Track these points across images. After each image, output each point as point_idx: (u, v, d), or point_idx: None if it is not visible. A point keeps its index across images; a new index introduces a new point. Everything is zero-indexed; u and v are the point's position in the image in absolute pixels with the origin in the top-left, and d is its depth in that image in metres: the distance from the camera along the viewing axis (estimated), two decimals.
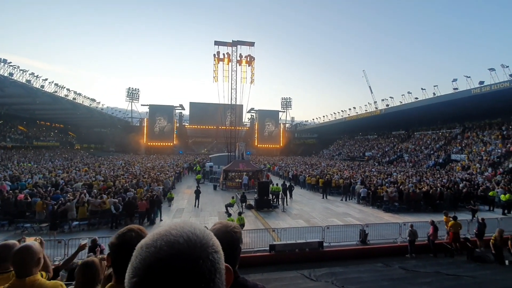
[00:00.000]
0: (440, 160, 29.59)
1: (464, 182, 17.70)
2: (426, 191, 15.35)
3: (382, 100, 44.86)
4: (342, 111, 58.50)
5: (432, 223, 9.08)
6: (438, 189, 15.64)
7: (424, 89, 37.42)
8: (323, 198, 18.43)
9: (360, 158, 43.44)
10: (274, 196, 16.37)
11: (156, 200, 12.20)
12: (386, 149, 42.42)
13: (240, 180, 21.67)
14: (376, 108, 48.17)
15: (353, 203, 17.24)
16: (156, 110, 59.08)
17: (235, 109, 29.57)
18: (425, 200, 15.09)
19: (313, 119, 79.98)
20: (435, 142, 35.39)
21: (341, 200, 17.79)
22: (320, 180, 20.26)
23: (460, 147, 29.76)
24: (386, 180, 19.63)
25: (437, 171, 24.82)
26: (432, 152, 33.22)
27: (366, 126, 51.64)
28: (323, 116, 64.52)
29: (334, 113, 60.88)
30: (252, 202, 15.43)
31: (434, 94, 33.00)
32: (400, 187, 16.42)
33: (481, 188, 15.88)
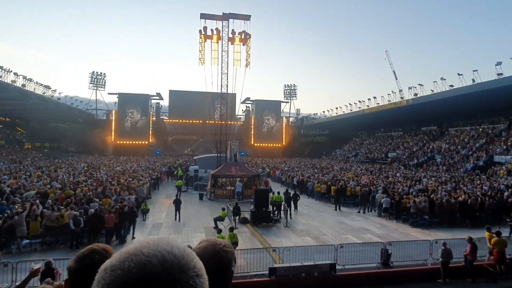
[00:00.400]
0: (481, 163, 29.86)
1: (510, 190, 17.95)
2: (463, 200, 15.63)
3: (409, 88, 45.15)
4: (359, 101, 56.42)
5: (470, 240, 9.15)
6: (478, 198, 15.90)
7: (461, 74, 36.62)
8: (335, 209, 18.67)
9: (381, 161, 43.70)
10: (274, 208, 16.51)
11: (127, 212, 12.18)
12: (414, 149, 42.54)
13: (232, 188, 21.75)
14: (401, 98, 48.41)
15: (373, 216, 17.45)
16: (127, 100, 58.52)
17: (227, 99, 29.71)
18: (461, 212, 15.38)
19: (323, 112, 78.21)
20: (475, 141, 35.55)
21: (358, 212, 18.02)
22: (332, 187, 20.57)
23: (505, 147, 30.10)
24: (413, 188, 19.83)
25: (477, 176, 25.18)
26: (470, 152, 33.61)
27: (390, 121, 51.77)
28: (336, 108, 67.11)
29: (349, 104, 60.91)
30: (247, 215, 15.53)
31: (473, 81, 33.30)
32: (431, 196, 16.84)
33: None
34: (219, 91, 28.94)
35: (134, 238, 12.40)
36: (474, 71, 34.95)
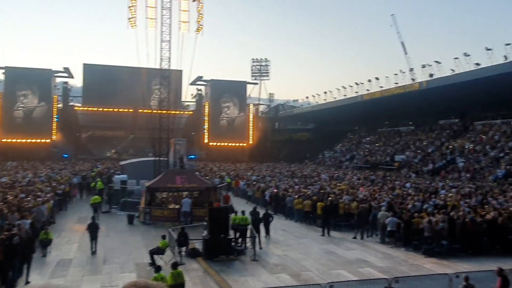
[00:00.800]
0: None
1: None
2: (493, 219, 16.12)
3: (423, 66, 46.09)
4: (356, 84, 57.69)
5: (501, 272, 9.52)
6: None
7: (490, 49, 38.29)
8: (323, 235, 18.95)
9: (386, 166, 44.69)
10: (238, 234, 16.51)
11: (17, 245, 11.80)
12: (429, 150, 43.78)
13: (177, 206, 21.64)
14: (412, 80, 49.35)
15: (374, 242, 17.90)
16: (18, 78, 56.41)
17: (169, 78, 29.63)
18: (490, 234, 15.82)
19: (306, 98, 77.33)
20: (507, 138, 36.81)
21: (354, 237, 18.37)
22: (318, 204, 20.56)
23: None
24: (428, 203, 20.20)
25: (510, 187, 25.86)
26: (502, 154, 34.48)
27: (397, 111, 52.97)
28: (325, 93, 65.60)
29: (342, 87, 60.78)
30: (198, 246, 15.47)
31: (505, 58, 34.78)
32: (451, 213, 17.03)
33: None
34: (158, 66, 28.77)
35: (29, 283, 12.06)
36: (507, 44, 36.26)
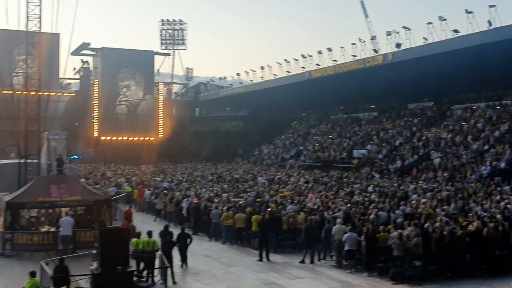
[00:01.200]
0: (502, 165, 32.35)
1: None
2: (477, 231, 16.57)
3: (388, 34, 47.04)
4: (303, 57, 58.00)
5: None
6: (500, 226, 16.78)
7: (471, 12, 39.70)
8: (261, 259, 19.01)
9: (342, 163, 46.03)
10: (142, 265, 16.27)
11: None
12: (397, 143, 45.53)
13: (52, 229, 20.95)
14: (375, 51, 50.83)
15: (328, 266, 18.17)
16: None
17: (40, 45, 28.97)
18: (473, 250, 16.23)
19: (237, 76, 75.93)
20: (494, 126, 38.61)
21: (302, 261, 18.53)
22: (254, 217, 20.60)
23: None
24: (396, 212, 20.82)
25: (498, 188, 26.80)
26: (487, 147, 35.87)
27: (355, 92, 54.54)
28: (261, 69, 65.99)
29: (285, 61, 60.74)
30: (85, 284, 14.83)
31: (489, 23, 36.33)
32: (426, 225, 17.40)
33: None
34: (24, 28, 28.11)
35: None
36: (491, 6, 37.68)
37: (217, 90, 75.71)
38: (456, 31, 39.21)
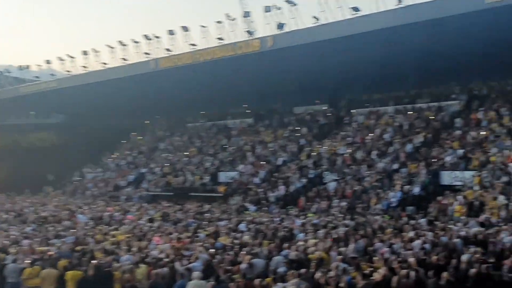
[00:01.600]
0: (416, 189, 33.77)
1: (470, 250, 19.65)
2: (384, 280, 16.74)
3: (267, 11, 46.97)
4: (147, 38, 55.98)
5: None
6: (413, 273, 16.86)
7: None
8: None
9: (204, 192, 47.05)
10: None
11: None
12: (280, 161, 46.42)
13: None
14: (249, 33, 49.29)
15: None
16: None
17: None
18: None
19: (47, 64, 74.51)
20: (405, 138, 40.77)
21: None
22: (70, 273, 19.53)
23: (462, 150, 35.63)
24: (276, 258, 20.63)
25: (410, 221, 27.85)
26: (396, 165, 38.08)
27: (222, 90, 54.80)
28: (84, 56, 63.38)
29: (120, 44, 59.53)
30: None
31: (399, 0, 36.13)
32: (317, 275, 17.47)
33: None
34: None
35: None
36: None
37: (16, 86, 71.87)
38: (356, 9, 39.04)
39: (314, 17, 42.19)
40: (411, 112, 45.67)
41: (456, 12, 33.87)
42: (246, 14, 51.23)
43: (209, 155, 54.21)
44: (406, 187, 34.75)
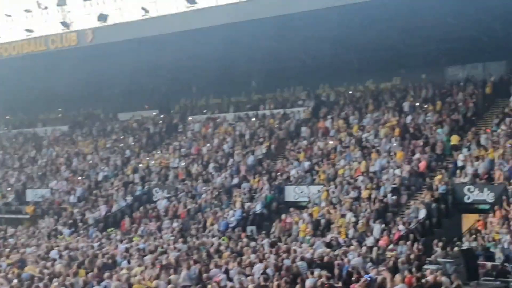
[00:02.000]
0: (258, 207, 33.63)
1: (316, 273, 21.24)
2: None
3: None
4: None
5: None
6: None
7: None
8: None
9: (6, 213, 44.59)
10: None
11: None
12: (100, 176, 45.29)
13: None
14: (64, 26, 46.11)
15: None
16: None
17: None
18: None
19: None
20: (246, 149, 39.99)
21: None
22: None
23: (307, 162, 35.93)
24: None
25: (251, 244, 28.13)
26: (236, 179, 37.62)
27: (32, 92, 53.29)
28: None
29: None
30: None
31: None
32: None
33: None
34: None
35: None
36: None
37: None
38: (192, 1, 38.59)
39: (143, 9, 40.92)
40: (254, 120, 45.18)
41: (305, 9, 34.51)
42: (61, 2, 47.62)
43: (14, 169, 51.71)
44: (247, 205, 35.08)
